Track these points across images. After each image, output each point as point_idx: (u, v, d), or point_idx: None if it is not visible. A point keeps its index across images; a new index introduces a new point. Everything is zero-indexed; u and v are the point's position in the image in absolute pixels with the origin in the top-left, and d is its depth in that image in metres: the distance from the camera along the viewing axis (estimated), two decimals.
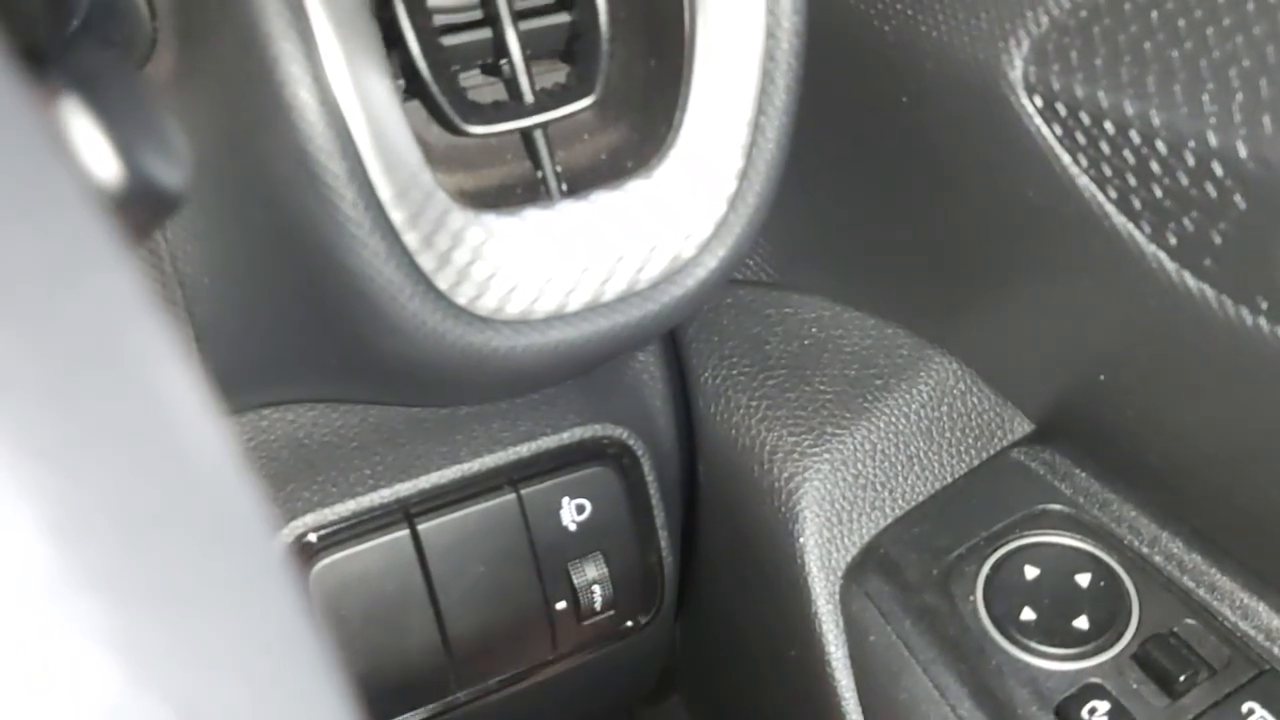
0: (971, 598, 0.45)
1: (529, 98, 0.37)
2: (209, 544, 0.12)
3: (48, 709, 0.10)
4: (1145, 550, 0.45)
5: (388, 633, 0.50)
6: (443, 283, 0.35)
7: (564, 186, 0.38)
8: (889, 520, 0.50)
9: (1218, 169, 0.30)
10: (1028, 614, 0.44)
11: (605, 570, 0.53)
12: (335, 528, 0.49)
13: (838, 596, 0.49)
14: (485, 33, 0.38)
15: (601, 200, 0.37)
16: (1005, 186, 0.39)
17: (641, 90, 0.40)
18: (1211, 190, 0.31)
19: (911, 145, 0.43)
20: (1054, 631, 0.44)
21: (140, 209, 0.20)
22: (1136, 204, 0.34)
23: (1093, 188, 0.35)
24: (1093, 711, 0.41)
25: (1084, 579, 0.45)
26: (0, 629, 0.10)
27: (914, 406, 0.51)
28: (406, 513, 0.50)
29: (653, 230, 0.38)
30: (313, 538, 0.49)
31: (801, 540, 0.49)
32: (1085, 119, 0.34)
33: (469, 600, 0.51)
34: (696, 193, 0.38)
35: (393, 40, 0.35)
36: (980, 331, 0.50)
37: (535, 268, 0.36)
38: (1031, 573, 0.46)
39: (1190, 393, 0.39)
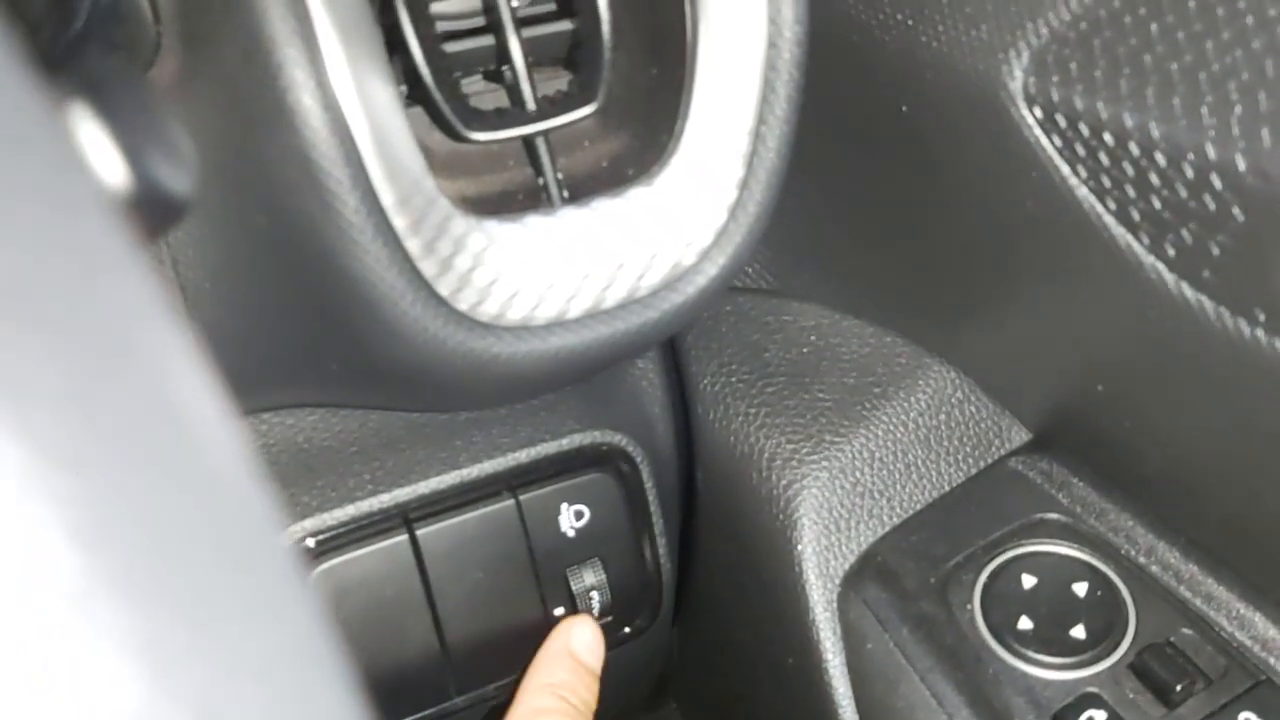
0: (969, 606, 0.45)
1: (531, 105, 0.37)
2: (229, 551, 0.12)
3: (72, 716, 0.10)
4: (1142, 560, 0.45)
5: (386, 637, 0.50)
6: (444, 289, 0.35)
7: (565, 193, 0.38)
8: (887, 528, 0.50)
9: (1216, 181, 0.31)
10: (1025, 623, 0.44)
11: (603, 576, 0.53)
12: (334, 532, 0.49)
13: (835, 604, 0.49)
14: (488, 40, 0.38)
15: (602, 207, 0.37)
16: (1004, 196, 0.39)
17: (643, 98, 0.40)
18: (1210, 202, 0.31)
19: (911, 155, 0.43)
20: (1051, 640, 0.44)
21: (148, 214, 0.20)
22: (1135, 215, 0.34)
23: (1092, 199, 0.35)
24: None
25: (1081, 588, 0.45)
26: (29, 635, 0.10)
27: (912, 415, 0.51)
28: (405, 518, 0.50)
29: (653, 238, 0.38)
30: (311, 542, 0.49)
31: (799, 548, 0.50)
32: (1085, 130, 0.34)
33: (467, 605, 0.51)
34: (697, 201, 0.38)
35: (395, 46, 0.35)
36: (979, 340, 0.50)
37: (536, 274, 0.36)
38: (1029, 582, 0.46)
39: (1188, 403, 0.39)
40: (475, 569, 0.51)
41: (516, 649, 0.52)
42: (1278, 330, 0.31)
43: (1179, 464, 0.42)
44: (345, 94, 0.32)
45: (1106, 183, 0.34)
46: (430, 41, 0.36)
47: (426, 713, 0.53)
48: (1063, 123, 0.35)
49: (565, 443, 0.53)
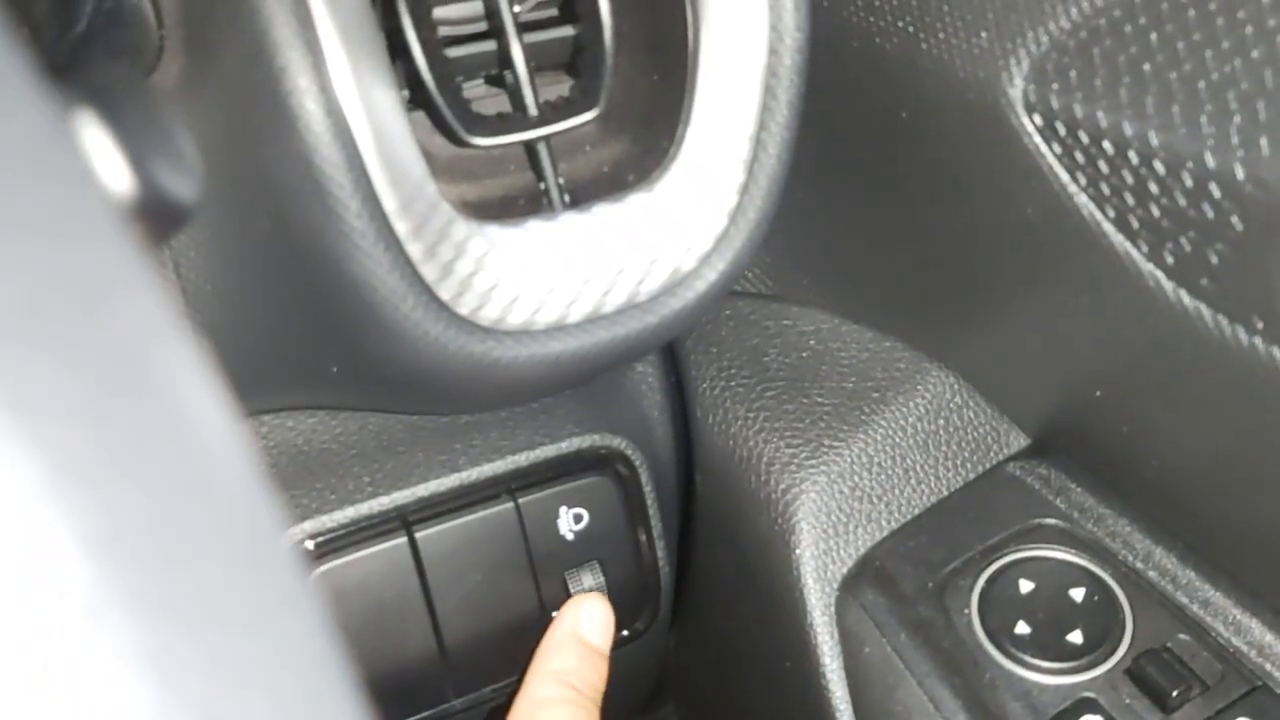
0: (966, 611, 0.46)
1: (533, 110, 0.38)
2: (236, 561, 0.12)
3: None
4: (1139, 565, 0.45)
5: (384, 640, 0.50)
6: (445, 293, 0.35)
7: (566, 198, 0.38)
8: (885, 533, 0.50)
9: (1215, 190, 0.31)
10: (1022, 628, 0.45)
11: (602, 579, 0.53)
12: (333, 535, 0.49)
13: (833, 608, 0.49)
14: (490, 45, 0.38)
15: (603, 212, 0.37)
16: (1004, 203, 0.39)
17: (644, 104, 0.40)
18: (1209, 211, 0.31)
19: (911, 161, 0.43)
20: (1048, 645, 0.44)
21: (152, 220, 0.20)
22: (1134, 223, 0.34)
23: (1091, 206, 0.35)
24: None
25: (1078, 593, 0.45)
26: (41, 645, 0.10)
27: (911, 420, 0.51)
28: (405, 520, 0.50)
29: (653, 243, 0.38)
30: (310, 544, 0.49)
31: (797, 552, 0.50)
32: (1084, 138, 0.34)
33: (466, 608, 0.51)
34: (698, 206, 0.38)
35: (397, 51, 0.35)
36: (977, 346, 0.50)
37: (537, 279, 0.37)
38: (1026, 587, 0.46)
39: (1186, 410, 0.39)
40: (474, 571, 0.51)
41: (515, 651, 0.52)
42: (1275, 338, 0.31)
43: (1177, 470, 0.42)
44: (348, 98, 0.32)
45: (1105, 190, 0.34)
46: (432, 46, 0.36)
47: (424, 715, 0.53)
48: (1062, 130, 0.35)
49: (564, 446, 0.53)
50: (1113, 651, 0.43)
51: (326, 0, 0.32)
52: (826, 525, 0.50)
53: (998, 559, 0.47)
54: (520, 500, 0.51)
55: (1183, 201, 0.32)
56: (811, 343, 0.55)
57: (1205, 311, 0.33)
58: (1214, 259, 0.32)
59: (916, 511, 0.50)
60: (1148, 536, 0.46)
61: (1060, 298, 0.41)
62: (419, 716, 0.53)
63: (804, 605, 0.49)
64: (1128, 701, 0.42)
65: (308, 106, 0.32)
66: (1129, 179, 0.33)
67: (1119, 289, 0.36)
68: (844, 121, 0.45)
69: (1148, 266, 0.34)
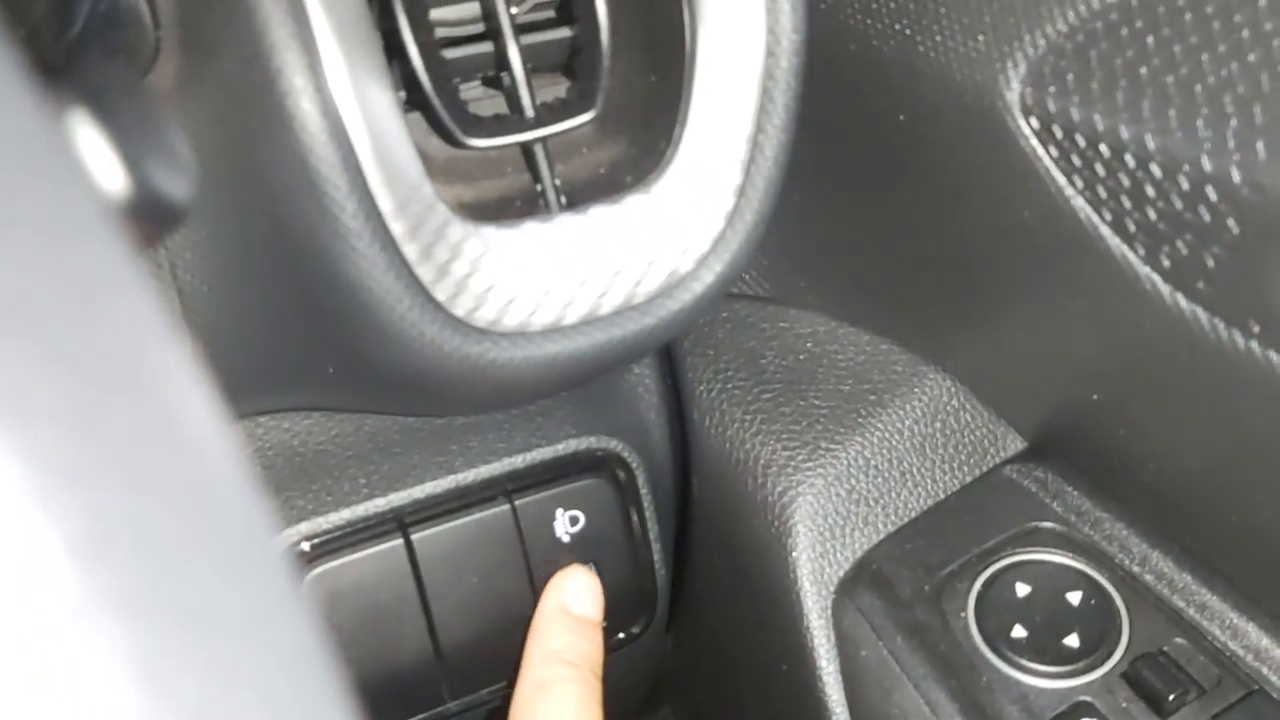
0: (963, 614, 0.45)
1: (530, 111, 0.38)
2: (226, 564, 0.12)
3: None
4: (1136, 569, 0.45)
5: (380, 642, 0.50)
6: (441, 294, 0.35)
7: (563, 200, 0.38)
8: (882, 536, 0.50)
9: (1211, 193, 0.31)
10: (1019, 631, 0.44)
11: (598, 582, 0.53)
12: (329, 536, 0.49)
13: (830, 611, 0.49)
14: (487, 46, 0.38)
15: (600, 214, 0.37)
16: (1001, 206, 0.39)
17: (641, 105, 0.40)
18: (1205, 214, 0.31)
19: (908, 164, 0.43)
20: (1045, 649, 0.44)
21: (147, 220, 0.20)
22: (1131, 226, 0.34)
23: (1088, 209, 0.35)
24: None
25: (1075, 597, 0.45)
26: (28, 647, 0.10)
27: (908, 423, 0.51)
28: (400, 522, 0.50)
29: (650, 245, 0.38)
30: (306, 546, 0.49)
31: (794, 555, 0.50)
32: (1081, 141, 0.34)
33: (462, 610, 0.51)
34: (695, 208, 0.38)
35: (394, 52, 0.35)
36: (974, 349, 0.50)
37: (533, 280, 0.37)
38: (1023, 590, 0.46)
39: (1182, 413, 0.39)
40: (470, 574, 0.51)
41: (511, 654, 0.52)
42: (1271, 341, 0.32)
43: (1173, 473, 0.42)
44: (344, 99, 0.32)
45: (1102, 193, 0.34)
46: (429, 47, 0.36)
47: (420, 717, 0.53)
48: (1059, 134, 0.35)
49: (561, 448, 0.53)
50: (1109, 655, 0.43)
51: (323, 1, 0.32)
52: (823, 528, 0.50)
53: (994, 562, 0.47)
54: (516, 502, 0.51)
55: (1179, 205, 0.32)
56: (808, 345, 0.55)
57: (1202, 315, 0.33)
58: (1210, 262, 0.32)
59: (913, 514, 0.50)
60: (1144, 540, 0.46)
61: (1057, 301, 0.41)
62: (415, 718, 0.53)
63: (800, 608, 0.49)
64: (1124, 705, 0.42)
65: (303, 107, 0.32)
66: (1126, 182, 0.33)
67: (1116, 292, 0.36)
68: (841, 124, 0.45)
69: (1144, 270, 0.34)
